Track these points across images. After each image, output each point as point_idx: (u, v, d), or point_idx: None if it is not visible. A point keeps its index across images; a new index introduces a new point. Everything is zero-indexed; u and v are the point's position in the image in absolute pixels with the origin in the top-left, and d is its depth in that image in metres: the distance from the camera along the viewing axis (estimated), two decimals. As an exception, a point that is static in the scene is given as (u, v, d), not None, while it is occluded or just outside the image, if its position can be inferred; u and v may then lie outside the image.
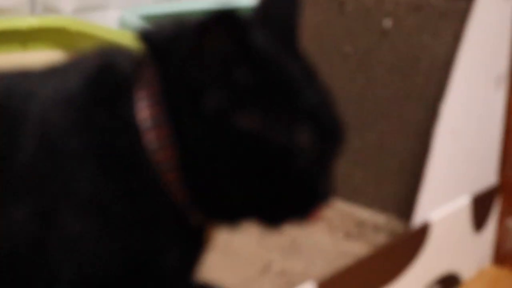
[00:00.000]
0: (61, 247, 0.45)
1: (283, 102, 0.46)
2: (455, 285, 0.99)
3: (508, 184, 1.03)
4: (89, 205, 0.46)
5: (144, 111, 0.47)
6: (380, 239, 0.91)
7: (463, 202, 0.94)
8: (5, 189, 0.45)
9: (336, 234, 0.95)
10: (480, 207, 1.01)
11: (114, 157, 0.47)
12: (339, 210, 0.90)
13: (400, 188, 0.99)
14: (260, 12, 0.54)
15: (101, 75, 0.49)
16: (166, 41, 0.48)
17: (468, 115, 0.96)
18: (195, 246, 0.52)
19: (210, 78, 0.46)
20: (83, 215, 0.45)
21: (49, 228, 0.45)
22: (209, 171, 0.47)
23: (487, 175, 1.03)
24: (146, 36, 0.49)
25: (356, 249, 0.85)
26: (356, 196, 0.92)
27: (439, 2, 0.95)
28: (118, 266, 0.47)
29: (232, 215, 0.50)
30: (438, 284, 0.92)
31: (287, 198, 0.49)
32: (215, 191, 0.48)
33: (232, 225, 0.51)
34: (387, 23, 1.00)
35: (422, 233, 0.86)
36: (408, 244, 0.86)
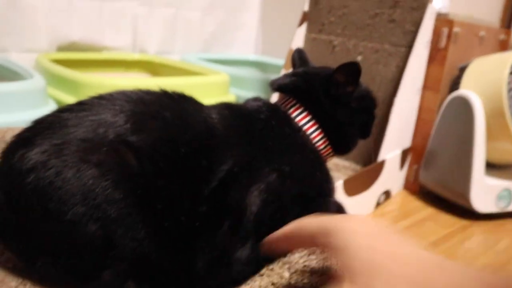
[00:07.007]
0: (290, 199, 0.55)
1: (365, 95, 0.67)
2: (389, 196, 1.27)
3: (415, 147, 1.34)
4: (295, 172, 0.57)
5: (300, 119, 0.63)
6: (349, 172, 1.20)
7: (397, 153, 1.25)
8: (260, 158, 0.55)
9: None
10: (403, 157, 1.29)
11: (295, 143, 0.61)
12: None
13: (362, 149, 1.24)
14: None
15: (273, 109, 0.63)
16: (300, 84, 0.65)
17: (402, 106, 1.22)
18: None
19: (335, 96, 0.62)
20: (292, 179, 0.56)
21: (285, 186, 0.55)
22: (335, 135, 0.64)
23: (407, 141, 1.33)
24: (278, 84, 0.67)
25: (336, 176, 0.96)
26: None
27: (390, 48, 1.25)
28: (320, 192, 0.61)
29: (347, 151, 0.69)
30: (383, 194, 1.21)
31: (367, 130, 0.68)
32: (340, 143, 0.66)
33: (346, 155, 0.69)
34: (359, 58, 1.31)
35: (382, 164, 1.16)
36: (376, 168, 1.15)
